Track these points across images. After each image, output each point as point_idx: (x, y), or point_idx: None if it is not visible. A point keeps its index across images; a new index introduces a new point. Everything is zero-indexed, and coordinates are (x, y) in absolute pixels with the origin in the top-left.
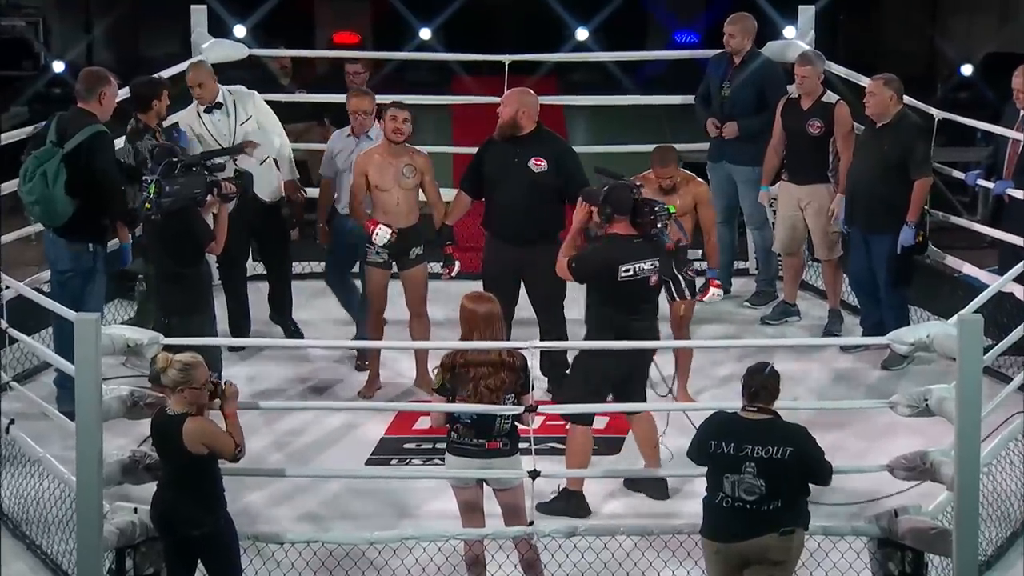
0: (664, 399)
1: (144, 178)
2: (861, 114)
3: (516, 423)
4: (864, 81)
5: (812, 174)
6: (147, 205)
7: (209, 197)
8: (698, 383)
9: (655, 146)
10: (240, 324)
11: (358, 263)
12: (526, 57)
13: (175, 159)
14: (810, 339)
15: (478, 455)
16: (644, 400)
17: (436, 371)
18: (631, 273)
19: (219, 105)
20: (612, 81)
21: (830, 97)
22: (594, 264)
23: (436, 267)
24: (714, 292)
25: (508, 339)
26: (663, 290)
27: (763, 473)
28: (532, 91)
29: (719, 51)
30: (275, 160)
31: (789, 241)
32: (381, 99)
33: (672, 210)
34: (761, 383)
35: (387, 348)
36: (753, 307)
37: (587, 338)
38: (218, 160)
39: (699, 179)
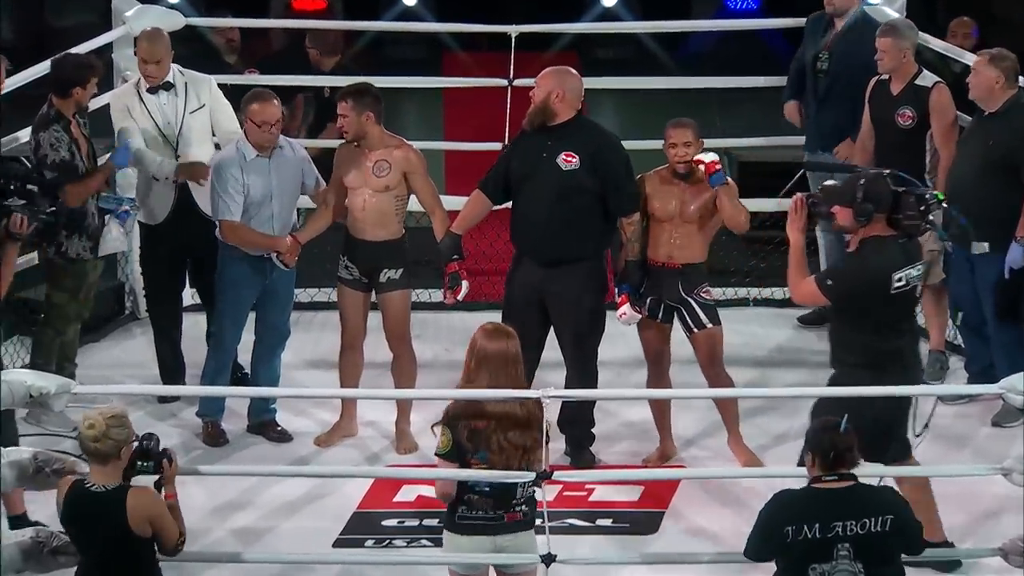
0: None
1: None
2: (967, 101)
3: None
4: (968, 59)
5: None
6: None
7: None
8: (754, 442)
9: None
10: (171, 368)
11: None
12: (538, 28)
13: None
14: (897, 388)
15: (494, 530)
16: (908, 454)
17: (438, 430)
18: (903, 283)
19: (168, 85)
20: (648, 58)
21: (926, 79)
22: (861, 277)
23: (437, 294)
24: None
25: (530, 387)
26: (678, 321)
27: (861, 554)
28: (575, 71)
29: (817, 12)
30: None
31: None
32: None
33: (940, 197)
34: (844, 444)
35: (349, 397)
36: (804, 326)
37: (849, 375)
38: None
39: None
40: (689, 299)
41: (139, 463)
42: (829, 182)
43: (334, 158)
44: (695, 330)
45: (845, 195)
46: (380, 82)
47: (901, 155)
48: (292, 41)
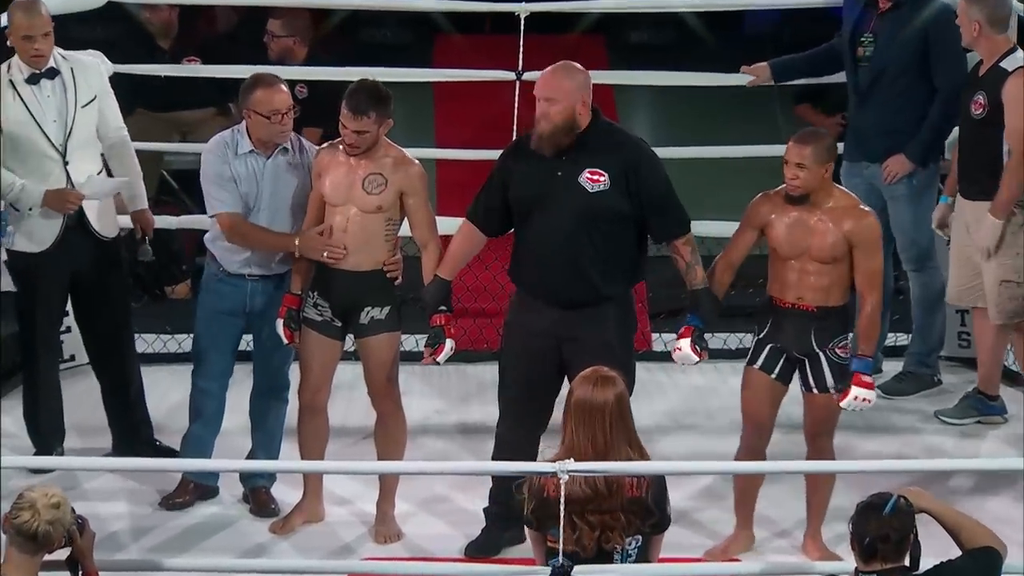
0: None
1: None
2: None
3: None
4: None
5: (980, 182)
6: None
7: None
8: (835, 527)
9: None
10: (49, 433)
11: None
12: (553, 7)
13: None
14: (1002, 460)
15: None
16: None
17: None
18: None
19: (53, 72)
20: (693, 45)
21: (1014, 61)
22: None
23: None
24: (859, 395)
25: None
26: (796, 376)
27: None
28: (579, 65)
29: None
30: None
31: (963, 285)
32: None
33: None
34: (879, 533)
35: (313, 471)
36: (888, 396)
37: None
38: None
39: (867, 208)
40: (821, 353)
41: None
42: None
43: (313, 167)
44: (815, 391)
45: None
46: (356, 74)
47: (978, 153)
48: (241, 22)
